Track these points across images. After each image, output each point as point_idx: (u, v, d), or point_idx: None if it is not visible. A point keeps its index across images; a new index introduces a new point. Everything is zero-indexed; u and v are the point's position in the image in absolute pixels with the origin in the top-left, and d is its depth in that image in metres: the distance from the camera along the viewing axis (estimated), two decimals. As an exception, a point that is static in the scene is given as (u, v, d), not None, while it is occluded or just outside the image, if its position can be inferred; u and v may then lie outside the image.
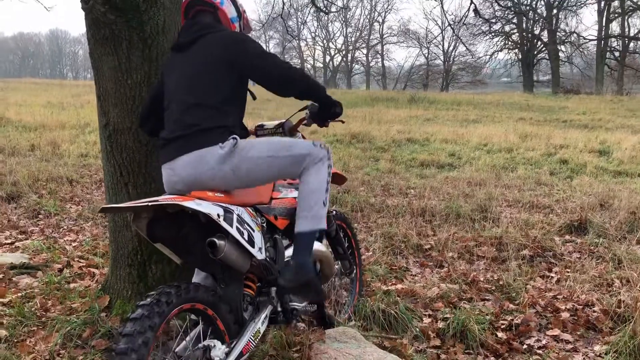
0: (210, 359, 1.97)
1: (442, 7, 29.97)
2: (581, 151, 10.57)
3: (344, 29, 53.39)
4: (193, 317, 2.07)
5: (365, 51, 53.05)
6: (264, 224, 2.39)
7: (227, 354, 2.04)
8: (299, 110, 2.72)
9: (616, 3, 39.38)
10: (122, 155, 2.74)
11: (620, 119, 18.45)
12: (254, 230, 2.21)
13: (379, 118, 17.24)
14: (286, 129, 2.81)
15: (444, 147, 11.22)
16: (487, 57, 43.77)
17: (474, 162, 9.42)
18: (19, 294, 3.16)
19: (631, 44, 40.03)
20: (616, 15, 39.65)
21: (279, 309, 2.44)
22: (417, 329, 3.02)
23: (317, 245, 2.58)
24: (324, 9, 11.19)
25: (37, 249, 4.11)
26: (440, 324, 3.11)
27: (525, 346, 2.93)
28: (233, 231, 2.06)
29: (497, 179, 7.80)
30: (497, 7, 41.07)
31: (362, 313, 3.08)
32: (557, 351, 2.86)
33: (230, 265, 2.13)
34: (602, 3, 38.94)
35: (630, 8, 38.57)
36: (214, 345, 2.00)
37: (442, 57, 48.72)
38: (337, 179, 3.04)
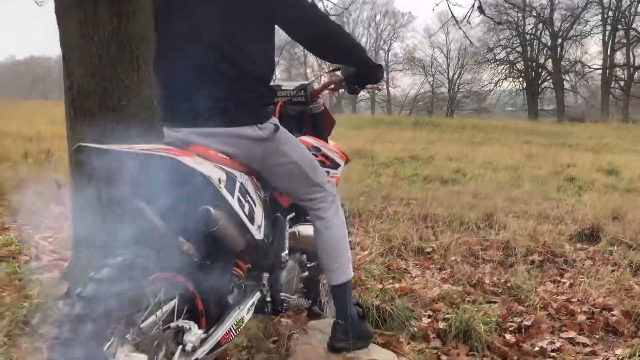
0: (181, 344, 1.59)
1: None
2: (589, 170, 10.26)
3: (350, 56, 53.48)
4: (169, 289, 1.67)
5: (370, 78, 53.04)
6: (267, 198, 2.06)
7: (203, 342, 1.67)
8: (328, 72, 2.38)
9: (621, 33, 39.52)
10: (86, 123, 2.45)
11: (627, 144, 18.17)
12: (255, 205, 1.89)
13: (382, 138, 16.98)
14: (308, 93, 2.40)
15: (448, 164, 10.91)
16: (492, 84, 43.77)
17: (479, 178, 9.11)
18: (-27, 283, 2.86)
19: (636, 74, 39.90)
20: (621, 45, 39.72)
21: (268, 298, 2.09)
22: (415, 328, 2.69)
23: (307, 230, 2.28)
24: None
25: (6, 242, 3.82)
26: (441, 324, 2.79)
27: (537, 349, 2.60)
28: (234, 202, 1.74)
29: (503, 192, 7.48)
30: (501, 36, 41.53)
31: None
32: (573, 354, 2.52)
33: (222, 240, 1.79)
34: (607, 33, 39.10)
35: (635, 38, 38.66)
36: (189, 328, 1.62)
37: (447, 85, 48.77)
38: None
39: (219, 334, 1.74)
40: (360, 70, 2.15)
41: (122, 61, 2.42)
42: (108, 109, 2.43)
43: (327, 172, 2.43)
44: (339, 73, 2.36)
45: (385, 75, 48.48)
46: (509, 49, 42.46)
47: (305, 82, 2.46)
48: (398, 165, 10.59)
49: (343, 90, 2.41)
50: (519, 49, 42.29)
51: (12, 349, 2.08)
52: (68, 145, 2.62)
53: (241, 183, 1.81)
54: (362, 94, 52.17)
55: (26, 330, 2.25)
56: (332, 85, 2.42)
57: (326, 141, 2.54)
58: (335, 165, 2.50)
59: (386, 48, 51.09)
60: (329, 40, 1.92)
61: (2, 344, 2.14)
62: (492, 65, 42.65)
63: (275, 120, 1.94)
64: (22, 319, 2.31)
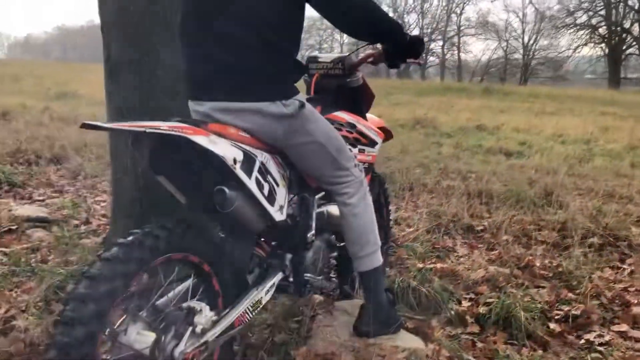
0: (192, 324, 1.56)
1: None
2: (669, 145, 9.56)
3: (420, 21, 51.98)
4: (182, 269, 1.68)
5: (441, 43, 51.54)
6: (293, 178, 1.99)
7: (214, 324, 1.63)
8: (368, 44, 2.25)
9: None
10: (122, 95, 2.45)
11: None
12: (277, 185, 1.83)
13: (448, 106, 16.47)
14: (346, 65, 2.31)
15: (514, 135, 10.47)
16: (570, 51, 41.46)
17: (545, 151, 8.68)
18: (25, 246, 2.98)
19: None
20: None
21: (291, 278, 2.06)
22: (452, 312, 2.59)
23: (336, 210, 2.20)
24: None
25: (61, 205, 3.96)
26: (482, 309, 2.66)
27: (582, 341, 2.45)
28: (250, 183, 1.69)
29: (570, 167, 7.08)
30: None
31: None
32: (622, 349, 2.35)
33: (239, 221, 1.75)
34: (703, -5, 36.00)
35: None
36: (200, 310, 1.59)
37: (521, 51, 46.65)
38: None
39: (232, 316, 1.70)
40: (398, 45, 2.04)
41: (158, 33, 2.39)
42: (144, 80, 2.42)
43: (363, 150, 2.34)
44: (379, 46, 2.25)
45: (457, 40, 46.80)
46: (591, 13, 39.97)
47: (344, 55, 2.37)
48: (462, 136, 10.26)
49: (383, 63, 2.30)
50: (603, 12, 39.66)
51: (45, 313, 2.16)
52: (107, 118, 2.65)
53: (261, 162, 1.75)
54: (431, 59, 50.71)
55: (61, 296, 2.33)
56: (372, 59, 2.32)
57: (364, 117, 2.44)
58: (372, 143, 2.40)
59: (458, 12, 49.43)
60: (359, 17, 1.82)
61: (38, 309, 2.22)
62: (572, 30, 40.44)
63: (301, 96, 1.86)
64: (58, 285, 2.39)
